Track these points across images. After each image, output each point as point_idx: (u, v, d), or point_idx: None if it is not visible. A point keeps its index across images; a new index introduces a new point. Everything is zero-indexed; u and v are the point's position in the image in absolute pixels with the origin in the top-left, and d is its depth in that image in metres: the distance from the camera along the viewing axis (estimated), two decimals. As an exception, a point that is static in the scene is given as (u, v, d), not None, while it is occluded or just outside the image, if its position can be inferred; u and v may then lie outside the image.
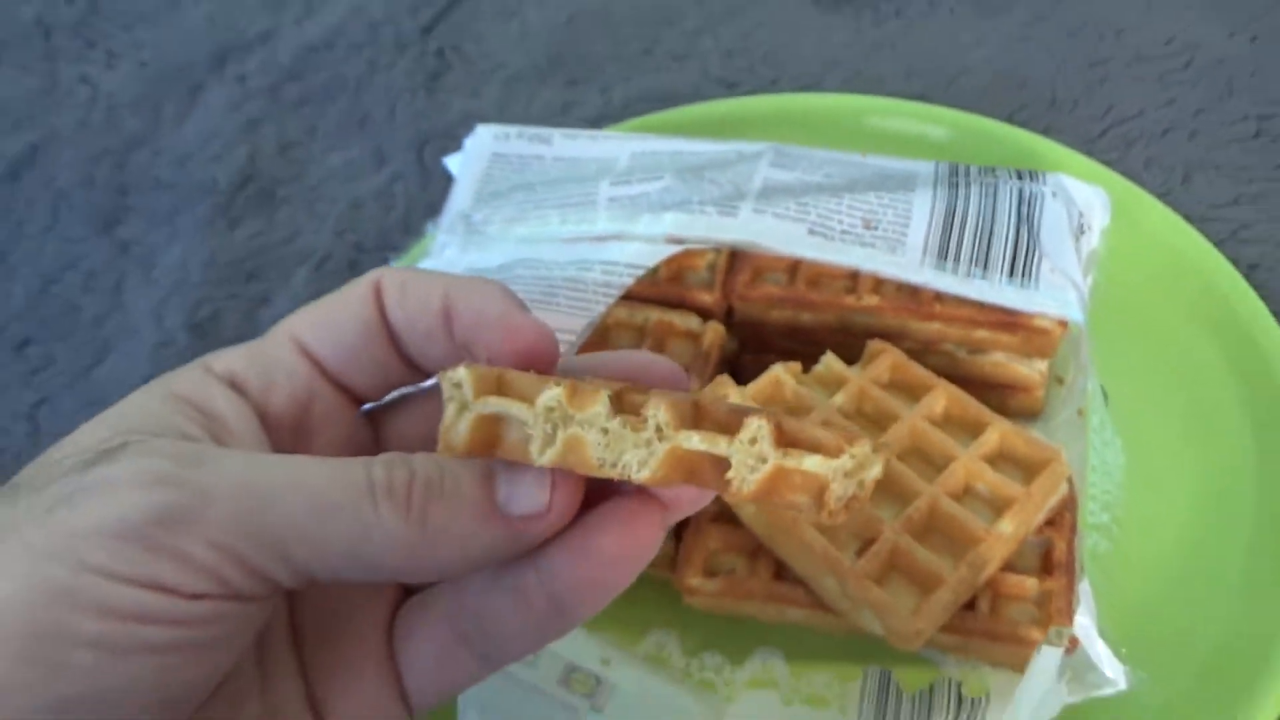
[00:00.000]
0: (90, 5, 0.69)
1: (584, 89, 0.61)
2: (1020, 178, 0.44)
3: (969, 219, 0.42)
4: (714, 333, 0.42)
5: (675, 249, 0.42)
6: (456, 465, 0.23)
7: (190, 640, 0.22)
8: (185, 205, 0.57)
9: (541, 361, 0.26)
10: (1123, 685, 0.34)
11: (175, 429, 0.24)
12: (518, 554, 0.24)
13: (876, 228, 0.42)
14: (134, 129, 0.61)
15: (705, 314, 0.43)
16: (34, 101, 0.63)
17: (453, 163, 0.50)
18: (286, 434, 0.27)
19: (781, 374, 0.40)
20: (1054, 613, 0.35)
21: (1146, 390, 0.43)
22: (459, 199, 0.47)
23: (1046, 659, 0.31)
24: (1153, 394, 0.43)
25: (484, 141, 0.49)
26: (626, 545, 0.24)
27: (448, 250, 0.45)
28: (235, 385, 0.26)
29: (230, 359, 0.27)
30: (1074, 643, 0.35)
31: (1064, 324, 0.40)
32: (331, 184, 0.57)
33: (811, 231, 0.42)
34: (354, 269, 0.53)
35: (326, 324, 0.27)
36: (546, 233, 0.44)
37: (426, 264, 0.45)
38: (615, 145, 0.48)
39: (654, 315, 0.43)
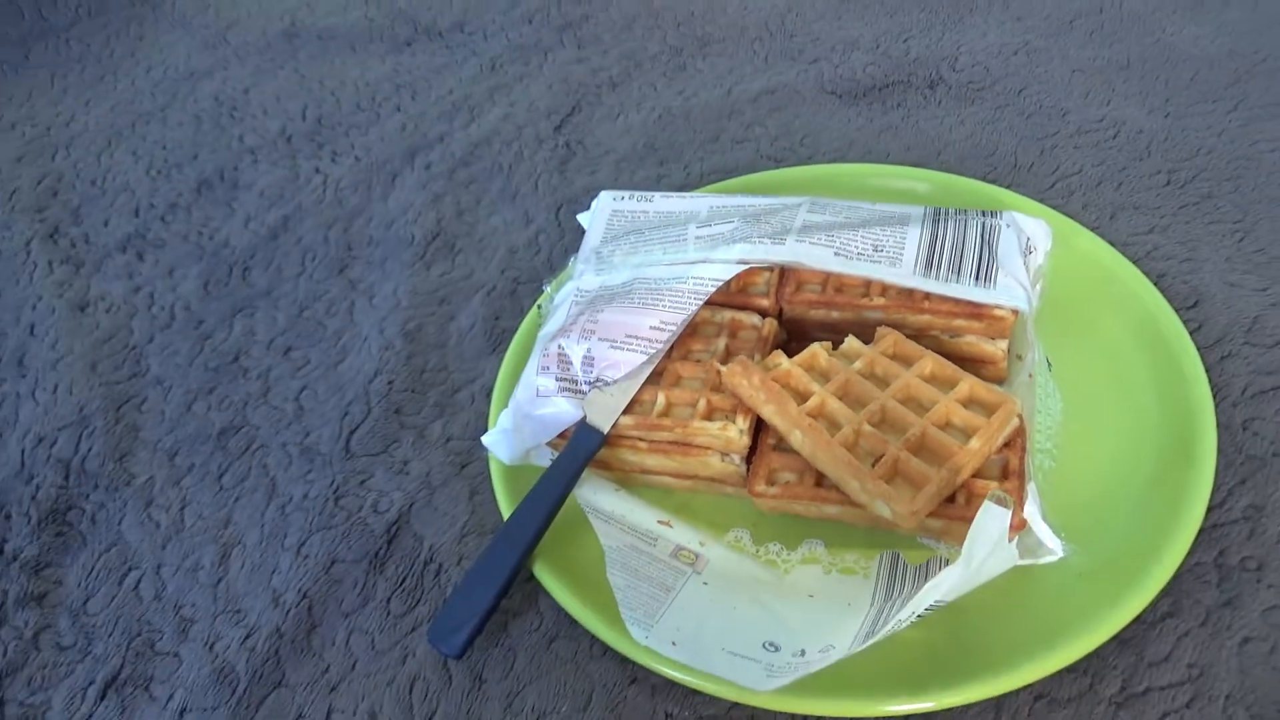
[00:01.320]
0: (316, 120, 0.79)
1: (671, 166, 0.69)
2: (984, 215, 0.52)
3: (947, 243, 0.50)
4: (770, 326, 0.50)
5: (743, 268, 0.50)
6: None
7: None
8: (393, 254, 0.66)
9: None
10: (1060, 554, 0.41)
11: None
12: None
13: (882, 250, 0.50)
14: (353, 203, 0.71)
15: (763, 313, 0.51)
16: (283, 186, 0.73)
17: (583, 218, 0.59)
18: None
19: (818, 349, 0.48)
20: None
21: (1081, 360, 0.50)
22: (591, 240, 0.56)
23: (990, 512, 0.37)
24: (1085, 362, 0.50)
25: (605, 201, 0.58)
26: None
27: (586, 274, 0.54)
28: None
29: None
30: (1022, 523, 0.42)
31: (1015, 312, 0.48)
32: (495, 238, 0.66)
33: (836, 254, 0.50)
34: (514, 295, 0.62)
35: None
36: (653, 259, 0.52)
37: (569, 285, 0.54)
38: (698, 202, 0.57)
39: (728, 314, 0.51)
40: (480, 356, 0.58)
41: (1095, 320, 0.51)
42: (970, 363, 0.49)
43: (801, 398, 0.46)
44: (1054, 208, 0.58)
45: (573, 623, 0.44)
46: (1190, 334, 0.49)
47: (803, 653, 0.39)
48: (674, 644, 0.39)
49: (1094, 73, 0.70)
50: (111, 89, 0.87)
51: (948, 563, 0.43)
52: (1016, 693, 0.40)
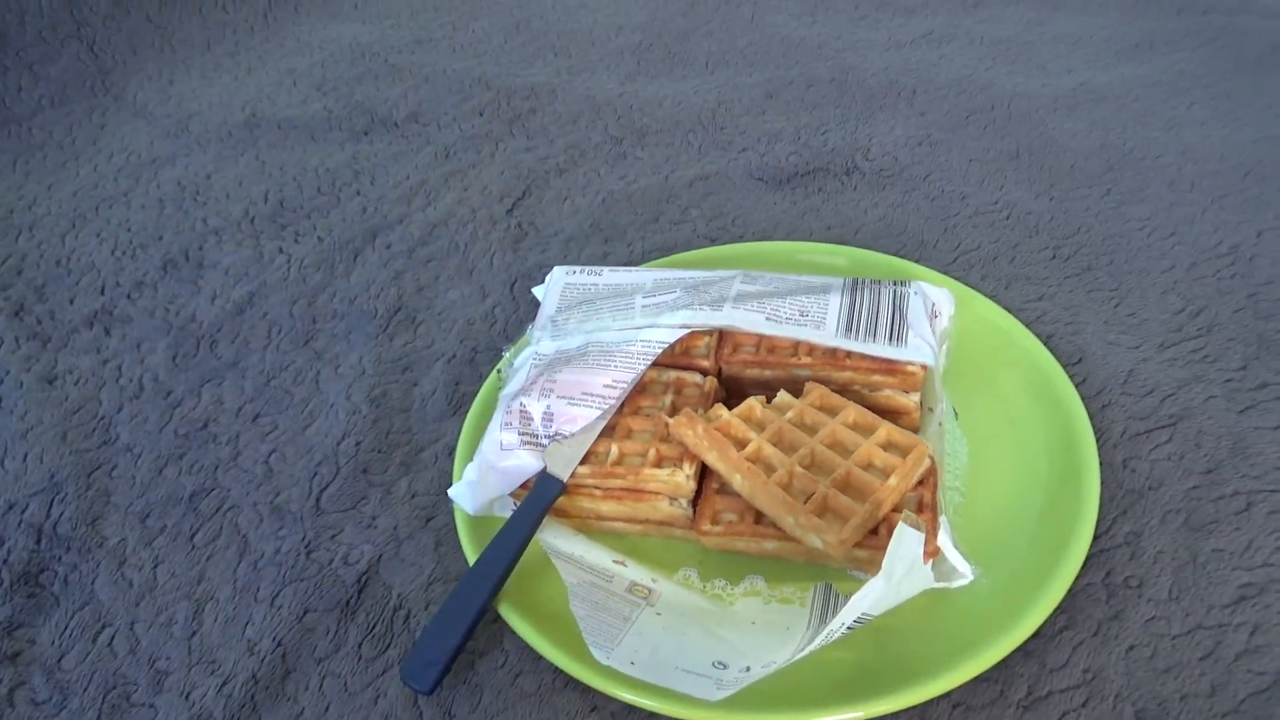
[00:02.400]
0: (279, 203, 0.83)
1: (615, 244, 0.75)
2: (896, 284, 0.58)
3: (864, 309, 0.56)
4: (711, 383, 0.56)
5: (685, 332, 0.56)
6: None
7: None
8: (357, 327, 0.70)
9: None
10: (970, 578, 0.47)
11: None
12: None
13: (808, 315, 0.56)
14: (317, 280, 0.75)
15: (705, 372, 0.57)
16: (248, 265, 0.76)
17: (538, 290, 0.64)
18: None
19: (754, 403, 0.53)
20: (925, 533, 0.48)
21: (983, 410, 0.56)
22: (546, 309, 0.61)
23: (905, 534, 0.43)
24: (987, 412, 0.56)
25: (559, 275, 0.64)
26: None
27: (543, 340, 0.59)
28: None
29: None
30: (936, 551, 0.47)
31: (924, 368, 0.54)
32: (453, 311, 0.70)
33: (768, 319, 0.56)
34: (472, 363, 0.66)
35: None
36: (604, 325, 0.58)
37: (529, 350, 0.59)
38: (643, 275, 0.62)
39: (674, 374, 0.56)
40: (442, 419, 0.63)
41: (994, 375, 0.58)
42: (888, 414, 0.55)
43: (740, 445, 0.51)
44: (956, 279, 0.65)
45: (536, 658, 0.48)
46: (1075, 386, 0.56)
47: (748, 669, 0.43)
48: (632, 664, 0.43)
49: (988, 162, 0.79)
50: (74, 174, 0.90)
51: (874, 590, 0.49)
52: (936, 701, 0.44)
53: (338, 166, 0.87)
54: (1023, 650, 0.46)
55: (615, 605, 0.47)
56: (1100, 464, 0.52)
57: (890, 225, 0.74)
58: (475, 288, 0.72)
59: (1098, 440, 0.53)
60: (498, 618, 0.49)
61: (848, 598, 0.48)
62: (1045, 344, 0.59)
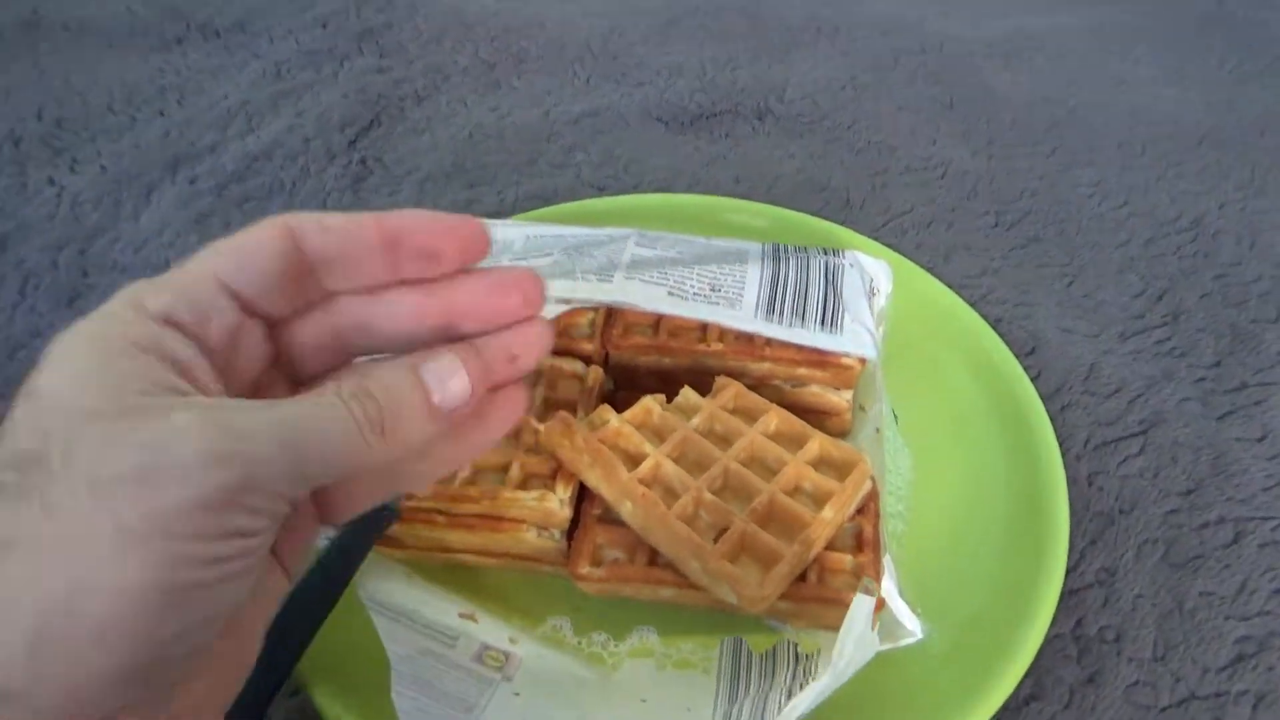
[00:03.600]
0: (55, 122, 0.66)
1: (482, 190, 0.61)
2: (826, 253, 0.47)
3: (789, 283, 0.45)
4: (595, 374, 0.43)
5: (564, 308, 0.43)
6: (401, 384, 0.25)
7: (251, 559, 0.23)
8: (142, 283, 0.55)
9: (477, 247, 0.27)
10: (919, 635, 0.36)
11: (165, 385, 0.23)
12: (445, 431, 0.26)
13: (720, 290, 0.44)
14: (94, 221, 0.58)
15: (587, 360, 0.44)
16: (5, 198, 0.60)
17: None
18: (224, 366, 0.25)
19: (651, 404, 0.41)
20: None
21: (926, 411, 0.46)
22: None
23: (861, 606, 0.32)
24: (930, 413, 0.46)
25: (403, 228, 0.50)
26: (516, 408, 0.29)
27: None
28: (175, 325, 0.24)
29: (160, 299, 0.24)
30: (881, 604, 0.37)
31: (863, 361, 0.43)
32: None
33: (670, 294, 0.44)
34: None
35: (244, 261, 0.25)
36: (458, 297, 0.44)
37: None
38: (512, 231, 0.49)
39: (547, 361, 0.44)
40: (247, 409, 0.48)
41: (938, 368, 0.48)
42: (812, 414, 0.44)
43: (633, 461, 0.39)
44: (888, 246, 0.54)
45: (351, 750, 0.35)
46: (1031, 381, 0.46)
47: (637, 781, 0.31)
48: (472, 786, 0.31)
49: (919, 111, 0.68)
50: None
51: (796, 646, 0.38)
52: (878, 806, 0.34)
53: (138, 81, 0.70)
54: (983, 731, 0.35)
55: (457, 686, 0.35)
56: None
57: (810, 179, 0.62)
58: (303, 238, 0.57)
59: (1060, 450, 0.43)
60: (299, 691, 0.36)
61: (764, 658, 0.38)
62: (995, 328, 0.49)
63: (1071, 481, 0.44)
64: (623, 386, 0.46)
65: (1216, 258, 0.55)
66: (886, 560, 0.38)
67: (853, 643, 0.31)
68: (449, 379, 0.26)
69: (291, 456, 0.23)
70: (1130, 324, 0.52)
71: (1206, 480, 0.44)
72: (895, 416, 0.46)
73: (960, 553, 0.40)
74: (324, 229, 0.26)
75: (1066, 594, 0.40)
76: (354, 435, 0.24)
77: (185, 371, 0.23)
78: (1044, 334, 0.51)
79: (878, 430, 0.44)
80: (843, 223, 0.56)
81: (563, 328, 0.45)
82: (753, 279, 0.44)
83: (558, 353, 0.44)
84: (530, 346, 0.28)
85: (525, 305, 0.28)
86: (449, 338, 0.28)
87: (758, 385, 0.44)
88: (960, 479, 0.43)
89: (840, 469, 0.39)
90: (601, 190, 0.61)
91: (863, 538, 0.38)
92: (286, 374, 0.29)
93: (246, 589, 0.23)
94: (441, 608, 0.38)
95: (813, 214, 0.56)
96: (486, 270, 0.29)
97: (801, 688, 0.34)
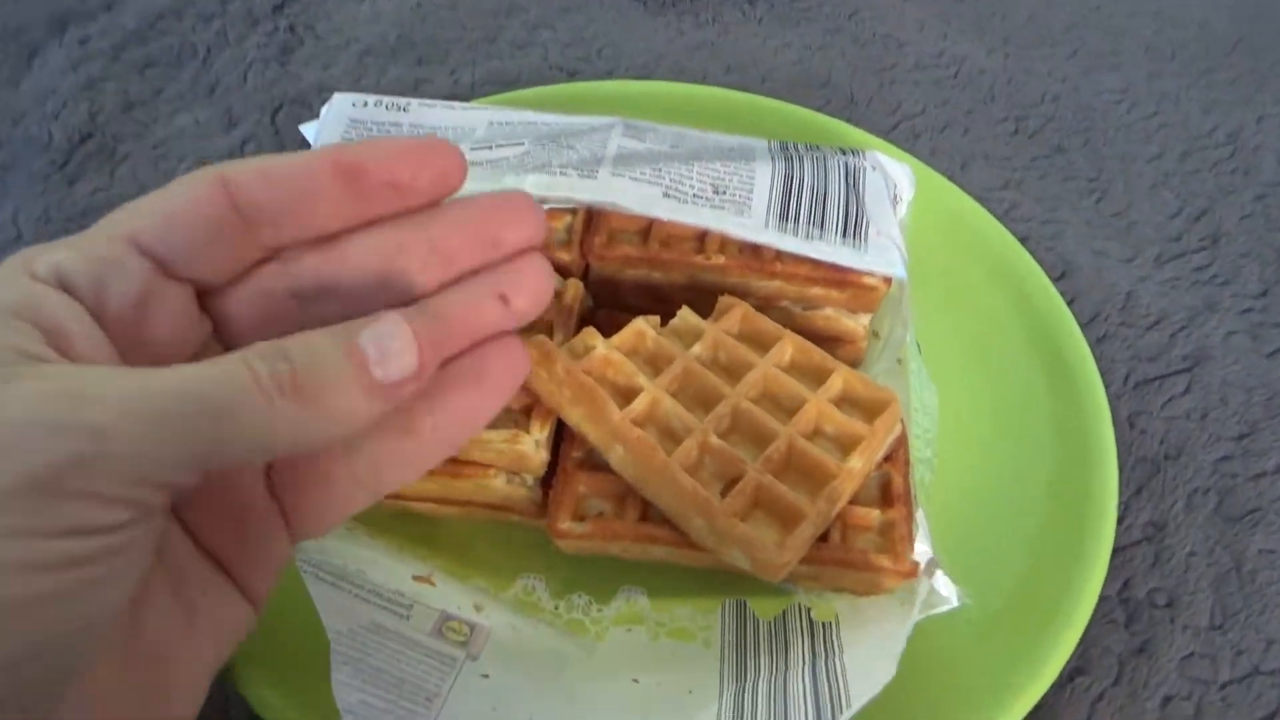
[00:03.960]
0: (-89, -33, 0.55)
1: (433, 69, 0.53)
2: (844, 153, 0.40)
3: (805, 186, 0.38)
4: (574, 289, 0.36)
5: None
6: (325, 344, 0.20)
7: (113, 563, 0.17)
8: (19, 162, 0.45)
9: (453, 176, 0.24)
10: (955, 603, 0.31)
11: (29, 353, 0.18)
12: (391, 409, 0.21)
13: (725, 192, 0.37)
14: (-37, 89, 0.49)
15: (563, 272, 0.37)
16: None
17: (308, 129, 0.41)
18: (128, 335, 0.21)
19: (643, 326, 0.34)
20: (896, 540, 0.31)
21: (949, 339, 0.40)
22: (316, 159, 0.39)
23: (923, 589, 0.27)
24: (955, 344, 0.40)
25: (341, 108, 0.41)
26: (514, 366, 0.25)
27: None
28: (66, 287, 0.20)
29: (54, 259, 0.20)
30: (914, 569, 0.31)
31: (888, 281, 0.37)
32: (179, 143, 0.46)
33: (666, 194, 0.37)
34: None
35: (166, 220, 0.21)
36: (408, 191, 0.36)
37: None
38: (472, 115, 0.41)
39: (516, 272, 0.36)
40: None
41: (963, 292, 0.42)
42: (822, 342, 0.37)
43: (623, 397, 0.32)
44: (903, 149, 0.48)
45: (279, 741, 0.29)
46: (1066, 310, 0.40)
47: (636, 789, 0.26)
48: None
49: (926, 2, 0.61)
50: None
51: (809, 613, 0.33)
52: (909, 802, 0.29)
53: (15, -79, 0.58)
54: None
55: (414, 669, 0.28)
56: (1105, 424, 0.37)
57: (808, 73, 0.55)
58: (218, 113, 0.48)
59: (1102, 389, 0.38)
60: (225, 674, 0.29)
61: (772, 626, 0.32)
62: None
63: (1112, 423, 0.38)
64: (603, 305, 0.39)
65: (1257, 176, 0.50)
66: (919, 516, 0.32)
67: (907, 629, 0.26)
68: (391, 345, 0.20)
69: (164, 429, 0.17)
70: (1167, 247, 0.46)
71: (1261, 423, 0.39)
72: (919, 346, 0.40)
73: (996, 505, 0.35)
74: (268, 179, 0.22)
75: (1113, 551, 0.35)
76: (250, 396, 0.18)
77: (62, 339, 0.19)
78: (1075, 257, 0.45)
79: (899, 361, 0.38)
80: (848, 123, 0.49)
81: (535, 233, 0.37)
82: (762, 180, 0.38)
83: (529, 263, 0.36)
84: (526, 286, 0.24)
85: (523, 235, 0.25)
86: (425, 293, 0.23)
87: (763, 307, 0.37)
88: (992, 420, 0.38)
89: (867, 409, 0.33)
90: (572, 75, 0.53)
91: (891, 489, 0.32)
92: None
93: (114, 603, 0.17)
94: (391, 569, 0.32)
95: (814, 111, 0.49)
96: (467, 200, 0.24)
97: (828, 666, 0.29)
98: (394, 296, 0.23)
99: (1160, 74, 0.56)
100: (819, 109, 0.52)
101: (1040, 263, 0.43)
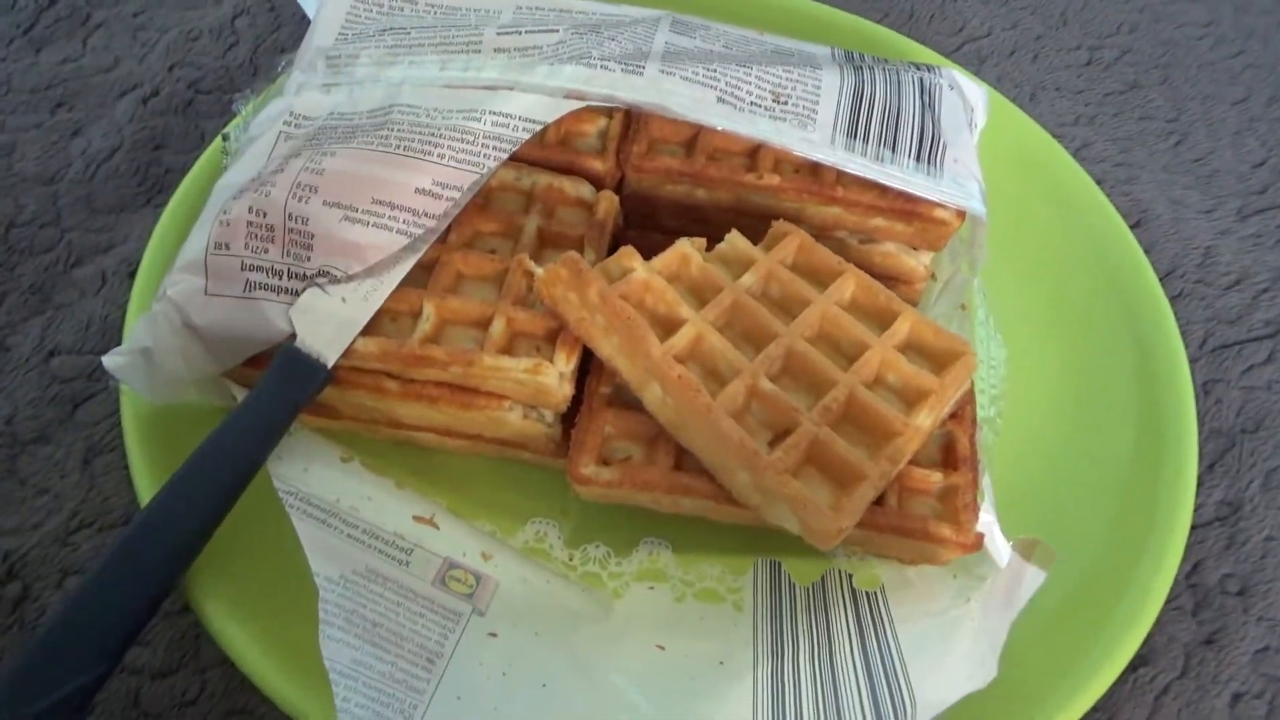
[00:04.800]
0: None
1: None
2: (917, 68, 0.36)
3: (877, 99, 0.33)
4: (608, 202, 0.32)
5: (577, 105, 0.31)
6: None
7: None
8: (-21, 24, 0.40)
9: None
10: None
11: None
12: None
13: (787, 102, 0.33)
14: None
15: (596, 183, 0.33)
16: None
17: (307, 3, 0.37)
18: None
19: (689, 250, 0.30)
20: (960, 508, 0.28)
21: (1018, 288, 0.36)
22: (318, 36, 0.34)
23: (1032, 579, 0.23)
24: (1025, 292, 0.36)
25: (347, -21, 0.36)
26: None
27: (305, 92, 0.32)
28: None
29: None
30: (978, 541, 0.28)
31: (961, 215, 0.33)
32: (160, 12, 0.41)
33: (721, 99, 0.32)
34: (189, 111, 0.39)
35: None
36: (426, 76, 0.32)
37: (278, 105, 0.32)
38: (497, -4, 0.36)
39: (543, 179, 0.32)
40: (122, 209, 0.36)
41: (1034, 235, 0.38)
42: (880, 281, 0.34)
43: (663, 328, 0.28)
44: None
45: (258, 692, 0.25)
46: (1141, 263, 0.36)
47: (663, 776, 0.23)
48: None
49: (996, -87, 0.55)
50: None
51: (851, 579, 0.30)
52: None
53: None
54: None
55: (414, 623, 0.25)
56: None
57: (866, -17, 0.49)
58: (205, -16, 0.43)
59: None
60: (188, 609, 0.26)
61: (811, 592, 0.29)
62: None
63: (1187, 391, 0.35)
64: (635, 225, 0.34)
65: (1350, 128, 0.46)
66: (985, 482, 0.29)
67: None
68: None
69: None
70: (1250, 200, 0.42)
71: (1348, 401, 0.36)
72: (984, 293, 0.36)
73: (1062, 476, 0.32)
74: None
75: (1181, 531, 0.32)
76: None
77: None
78: (1151, 204, 0.41)
79: (962, 307, 0.34)
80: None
81: (563, 136, 0.33)
82: (829, 89, 0.33)
83: (557, 168, 0.32)
84: None
85: None
86: None
87: (817, 237, 0.33)
88: (1062, 380, 0.34)
89: (936, 359, 0.29)
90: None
91: (955, 451, 0.29)
92: None
93: None
94: (389, 507, 0.28)
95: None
96: None
97: (879, 644, 0.26)
98: None
99: (1247, 9, 0.51)
100: (877, 23, 0.47)
101: (1113, 208, 0.39)
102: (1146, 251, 0.39)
